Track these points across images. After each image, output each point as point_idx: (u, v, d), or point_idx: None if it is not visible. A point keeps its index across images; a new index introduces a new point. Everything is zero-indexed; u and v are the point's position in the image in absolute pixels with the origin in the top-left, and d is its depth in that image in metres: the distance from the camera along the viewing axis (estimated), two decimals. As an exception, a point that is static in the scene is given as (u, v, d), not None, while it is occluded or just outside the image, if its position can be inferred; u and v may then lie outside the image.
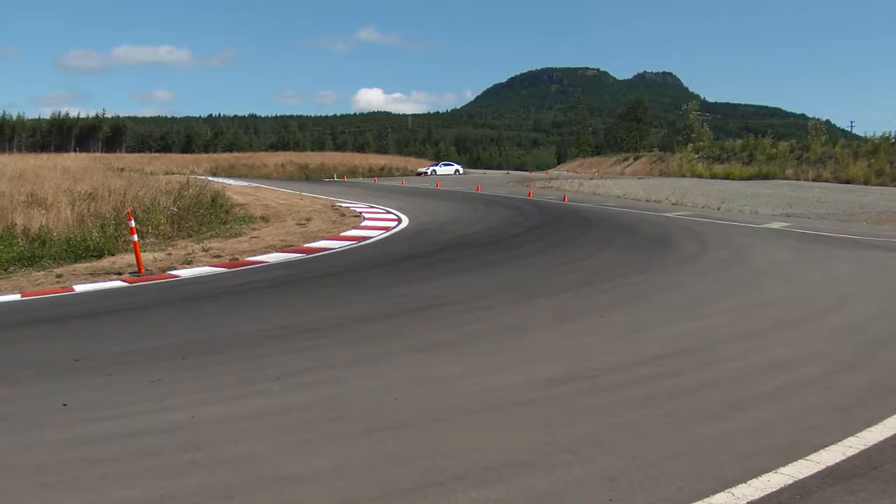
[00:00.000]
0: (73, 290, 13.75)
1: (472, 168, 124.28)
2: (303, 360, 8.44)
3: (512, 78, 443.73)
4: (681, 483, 5.05)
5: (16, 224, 18.38)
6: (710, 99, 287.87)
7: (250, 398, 7.07)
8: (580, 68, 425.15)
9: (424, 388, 7.29)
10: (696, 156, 75.29)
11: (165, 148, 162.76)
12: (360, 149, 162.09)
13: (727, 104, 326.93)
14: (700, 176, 65.42)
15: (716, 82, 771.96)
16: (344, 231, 21.66)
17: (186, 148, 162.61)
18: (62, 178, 28.43)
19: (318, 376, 7.78)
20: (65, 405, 6.96)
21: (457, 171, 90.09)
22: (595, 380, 7.46)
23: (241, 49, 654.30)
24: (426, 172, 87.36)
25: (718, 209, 29.63)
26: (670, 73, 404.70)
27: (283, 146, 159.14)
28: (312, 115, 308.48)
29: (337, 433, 6.06)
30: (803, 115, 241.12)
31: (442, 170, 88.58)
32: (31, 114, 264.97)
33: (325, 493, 4.98)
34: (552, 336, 9.45)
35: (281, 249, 18.08)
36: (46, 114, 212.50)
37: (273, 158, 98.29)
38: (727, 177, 60.90)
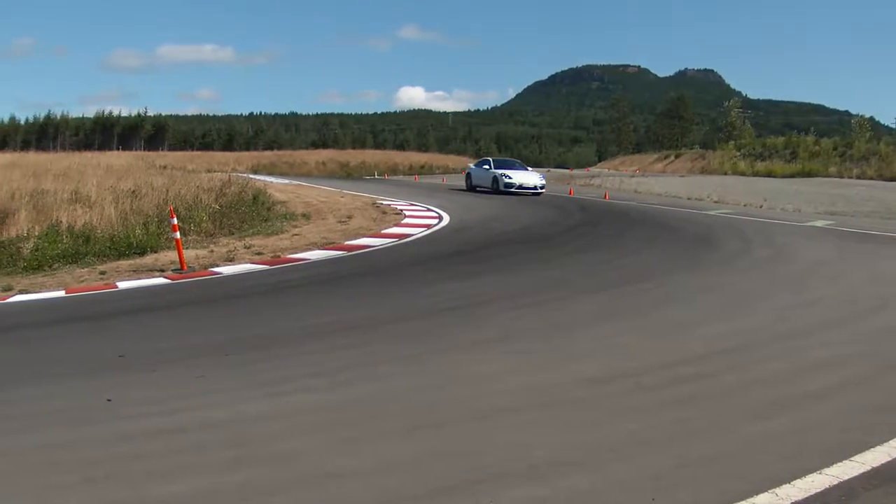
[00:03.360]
0: (116, 286, 13.86)
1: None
2: (345, 357, 8.45)
3: (553, 75, 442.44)
4: (724, 483, 5.00)
5: (60, 221, 18.56)
6: (752, 96, 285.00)
7: (293, 395, 7.10)
8: (621, 65, 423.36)
9: (467, 386, 7.27)
10: (738, 153, 74.75)
11: (206, 146, 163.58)
12: (401, 147, 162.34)
13: (769, 101, 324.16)
14: (742, 173, 64.91)
15: (758, 79, 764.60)
16: (385, 228, 21.64)
17: (227, 146, 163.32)
18: (105, 175, 28.66)
19: (361, 373, 7.78)
20: (109, 401, 7.01)
21: (539, 185, 37.56)
22: (638, 378, 7.41)
23: (284, 48, 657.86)
24: (498, 179, 38.03)
25: (761, 207, 29.37)
26: (712, 70, 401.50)
27: (324, 144, 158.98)
28: (353, 113, 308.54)
29: (380, 431, 6.06)
30: (847, 111, 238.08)
31: (520, 176, 38.05)
32: (76, 113, 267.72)
33: (369, 490, 4.98)
34: (594, 334, 9.40)
35: (322, 247, 18.11)
36: (91, 113, 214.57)
37: (314, 156, 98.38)
38: (769, 174, 60.38)
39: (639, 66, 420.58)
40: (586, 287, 12.77)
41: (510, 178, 36.87)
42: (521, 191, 36.22)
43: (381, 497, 4.89)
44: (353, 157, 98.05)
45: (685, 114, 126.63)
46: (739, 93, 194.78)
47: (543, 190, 36.64)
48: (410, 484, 5.06)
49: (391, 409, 6.60)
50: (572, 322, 10.13)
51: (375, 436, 5.95)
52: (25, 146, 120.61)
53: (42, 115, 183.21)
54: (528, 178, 37.09)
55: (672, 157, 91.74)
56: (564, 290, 12.52)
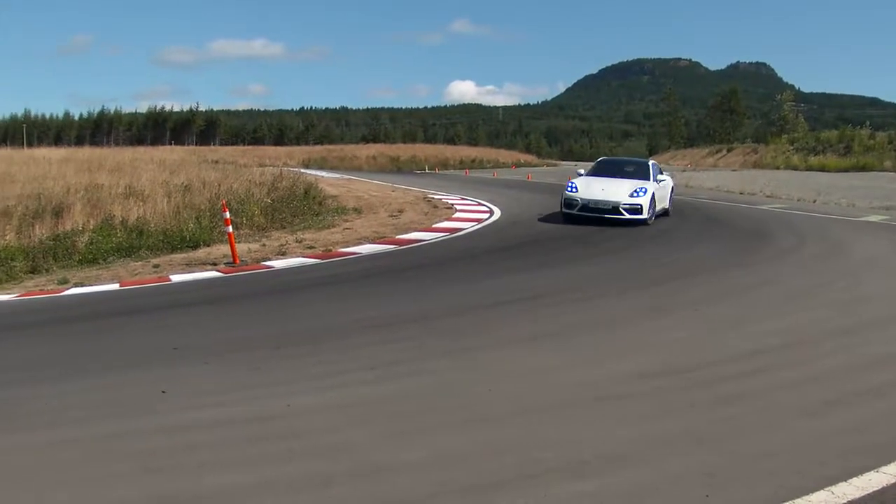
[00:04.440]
0: (169, 280, 13.97)
1: (564, 160, 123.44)
2: (397, 351, 8.46)
3: (603, 69, 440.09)
4: (779, 480, 4.96)
5: (114, 215, 18.74)
6: (805, 89, 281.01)
7: (346, 388, 7.13)
8: (672, 59, 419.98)
9: (518, 381, 7.27)
10: (791, 147, 73.76)
11: (257, 141, 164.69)
12: (451, 141, 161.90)
13: (823, 94, 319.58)
14: (795, 168, 64.06)
15: (811, 72, 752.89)
16: (436, 223, 21.62)
17: (278, 141, 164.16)
18: (158, 170, 28.91)
19: (413, 367, 7.79)
20: (164, 392, 7.06)
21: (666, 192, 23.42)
22: (690, 374, 7.37)
23: (335, 43, 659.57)
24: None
25: (814, 202, 28.98)
26: (764, 64, 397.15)
27: (375, 138, 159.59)
28: (404, 107, 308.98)
29: (432, 424, 6.09)
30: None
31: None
32: (129, 108, 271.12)
33: (421, 483, 5.00)
34: (647, 330, 9.35)
35: (374, 241, 18.13)
36: (143, 108, 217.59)
37: (364, 150, 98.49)
38: (822, 169, 59.48)
39: (690, 60, 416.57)
40: (638, 282, 12.68)
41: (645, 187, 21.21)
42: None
43: (433, 490, 4.90)
44: (404, 151, 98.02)
45: (737, 107, 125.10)
46: (792, 86, 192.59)
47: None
48: (462, 477, 5.07)
49: (443, 403, 6.62)
50: (623, 317, 10.07)
51: (427, 429, 5.97)
52: (79, 141, 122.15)
53: (96, 110, 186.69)
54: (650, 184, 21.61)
55: (724, 152, 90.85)
56: (616, 284, 12.47)
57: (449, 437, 5.78)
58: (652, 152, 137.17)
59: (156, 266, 15.61)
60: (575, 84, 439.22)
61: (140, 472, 5.25)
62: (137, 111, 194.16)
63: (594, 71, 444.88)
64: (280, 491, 4.92)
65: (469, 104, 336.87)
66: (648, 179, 21.79)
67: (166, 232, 18.12)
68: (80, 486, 5.11)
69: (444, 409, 6.43)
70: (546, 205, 26.61)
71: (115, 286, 13.63)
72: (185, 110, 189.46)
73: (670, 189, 23.96)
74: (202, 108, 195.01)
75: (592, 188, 21.32)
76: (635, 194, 20.68)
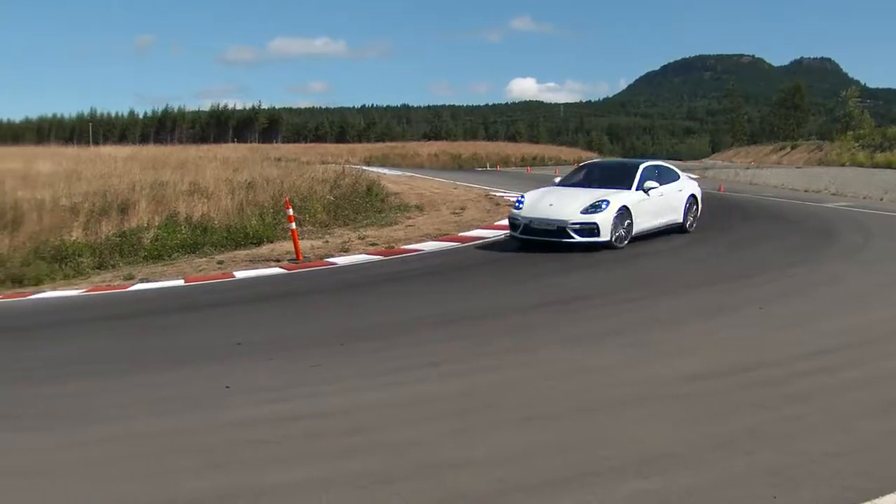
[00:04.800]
0: (233, 276, 14.10)
1: (625, 157, 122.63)
2: (459, 348, 8.48)
3: (665, 66, 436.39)
4: (847, 481, 4.87)
5: (179, 212, 18.96)
6: (871, 85, 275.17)
7: (408, 384, 7.16)
8: (735, 55, 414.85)
9: (578, 379, 7.24)
10: (857, 144, 72.61)
11: (319, 138, 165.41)
12: (512, 138, 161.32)
13: (889, 90, 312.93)
14: (860, 165, 63.01)
15: (877, 67, 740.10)
16: (498, 220, 21.50)
17: (340, 138, 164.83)
18: (221, 167, 29.14)
19: (475, 365, 7.79)
20: (228, 387, 7.10)
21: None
22: (753, 373, 7.28)
23: (395, 40, 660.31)
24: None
25: (881, 200, 28.42)
26: (829, 59, 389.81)
27: (436, 136, 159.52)
28: (464, 104, 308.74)
29: (494, 421, 6.06)
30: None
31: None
32: (192, 106, 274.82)
33: (483, 480, 4.97)
34: (711, 328, 9.26)
35: (436, 238, 18.12)
36: (206, 106, 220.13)
37: (426, 148, 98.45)
38: (889, 166, 58.38)
39: (753, 56, 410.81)
40: (701, 280, 12.52)
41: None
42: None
43: (496, 487, 4.87)
44: (465, 148, 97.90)
45: (801, 104, 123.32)
46: (858, 82, 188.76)
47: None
48: (524, 474, 5.04)
49: (505, 400, 6.59)
50: (686, 315, 9.98)
51: (489, 426, 5.95)
52: (144, 139, 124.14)
53: (160, 109, 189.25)
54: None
55: (788, 149, 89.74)
56: (678, 282, 12.33)
57: (511, 435, 5.76)
58: (714, 150, 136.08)
59: (220, 262, 15.76)
60: (637, 81, 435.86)
61: (204, 466, 5.32)
62: (200, 109, 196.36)
63: (656, 67, 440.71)
64: (343, 487, 4.93)
65: (530, 101, 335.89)
66: (628, 189, 16.38)
67: (230, 228, 18.33)
68: (146, 479, 5.17)
69: (507, 407, 6.40)
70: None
71: (180, 282, 13.79)
72: (247, 108, 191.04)
73: (686, 199, 18.18)
74: (264, 105, 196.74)
75: (541, 203, 16.21)
76: (592, 210, 15.43)
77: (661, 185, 17.16)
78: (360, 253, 16.28)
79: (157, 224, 18.08)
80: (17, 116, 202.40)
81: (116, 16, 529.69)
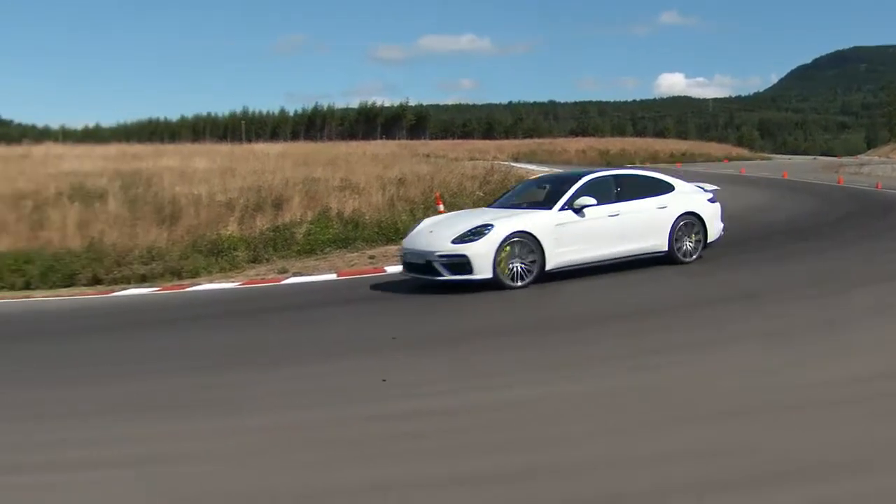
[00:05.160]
0: (384, 271, 14.24)
1: (777, 153, 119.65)
2: (619, 345, 8.33)
3: (817, 59, 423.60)
4: None
5: (330, 207, 19.23)
6: None
7: (568, 381, 7.03)
8: (891, 46, 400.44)
9: (740, 379, 6.95)
10: None
11: (467, 135, 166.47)
12: (660, 134, 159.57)
13: None
14: None
15: None
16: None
17: (487, 134, 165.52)
18: (371, 164, 29.54)
19: (636, 362, 7.59)
20: (384, 381, 7.09)
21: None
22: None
23: (542, 36, 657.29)
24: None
25: None
26: None
27: (583, 132, 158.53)
28: (611, 100, 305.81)
29: (656, 420, 5.87)
30: None
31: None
32: (341, 104, 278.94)
33: (644, 480, 4.78)
34: (877, 329, 8.79)
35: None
36: (355, 104, 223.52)
37: (573, 144, 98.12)
38: None
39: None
40: (866, 279, 11.98)
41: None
42: None
43: (658, 487, 4.67)
44: (613, 144, 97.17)
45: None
46: None
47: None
48: (687, 475, 4.83)
49: (667, 399, 6.39)
50: (852, 315, 9.54)
51: (652, 425, 5.78)
52: (294, 136, 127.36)
53: (309, 107, 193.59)
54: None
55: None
56: (842, 282, 11.85)
57: (672, 435, 5.56)
58: (870, 145, 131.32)
59: (371, 257, 15.94)
60: (788, 74, 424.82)
61: (358, 458, 5.30)
62: (349, 107, 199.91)
63: (808, 61, 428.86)
64: (509, 483, 4.82)
65: (678, 97, 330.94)
66: (548, 208, 12.67)
67: (381, 224, 18.55)
68: (300, 469, 5.19)
69: (668, 405, 6.20)
70: (759, 200, 25.93)
71: (333, 276, 13.97)
72: (395, 105, 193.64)
73: (673, 219, 13.38)
74: (412, 102, 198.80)
75: (424, 230, 13.10)
76: (467, 238, 11.85)
77: (619, 202, 13.16)
78: (511, 248, 16.16)
79: (309, 219, 18.37)
80: (174, 115, 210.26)
81: (267, 17, 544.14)
